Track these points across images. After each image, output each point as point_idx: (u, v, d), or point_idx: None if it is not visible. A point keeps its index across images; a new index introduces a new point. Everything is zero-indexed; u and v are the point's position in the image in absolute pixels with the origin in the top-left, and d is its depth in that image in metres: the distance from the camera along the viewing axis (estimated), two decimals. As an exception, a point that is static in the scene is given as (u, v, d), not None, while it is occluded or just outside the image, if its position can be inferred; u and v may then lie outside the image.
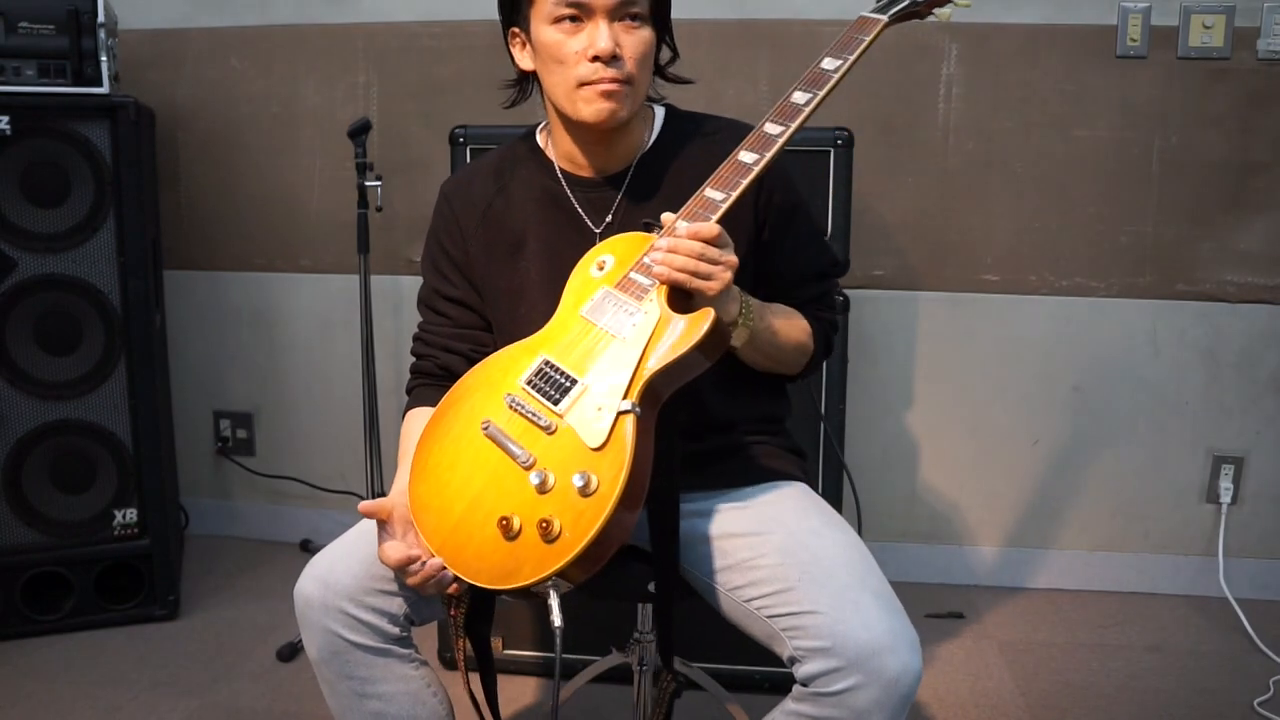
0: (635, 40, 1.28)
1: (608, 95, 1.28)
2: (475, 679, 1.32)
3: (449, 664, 2.10)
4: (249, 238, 2.76)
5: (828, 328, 1.45)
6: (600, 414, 1.16)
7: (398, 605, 1.28)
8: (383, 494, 2.33)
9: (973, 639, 2.34)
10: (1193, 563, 2.56)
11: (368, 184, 2.26)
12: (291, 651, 2.20)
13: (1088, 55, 2.39)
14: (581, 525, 1.11)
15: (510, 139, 1.50)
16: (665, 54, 1.40)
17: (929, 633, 2.30)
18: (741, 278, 1.25)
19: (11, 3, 2.13)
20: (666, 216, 1.23)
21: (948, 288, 2.53)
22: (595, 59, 1.26)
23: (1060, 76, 2.40)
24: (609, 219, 1.39)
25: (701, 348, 1.17)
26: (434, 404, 1.39)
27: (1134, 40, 2.36)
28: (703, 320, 1.17)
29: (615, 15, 1.27)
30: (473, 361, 1.43)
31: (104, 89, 2.17)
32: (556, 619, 1.14)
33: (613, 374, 1.18)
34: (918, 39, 2.42)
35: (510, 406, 1.22)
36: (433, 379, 1.45)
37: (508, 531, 1.14)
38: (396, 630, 1.28)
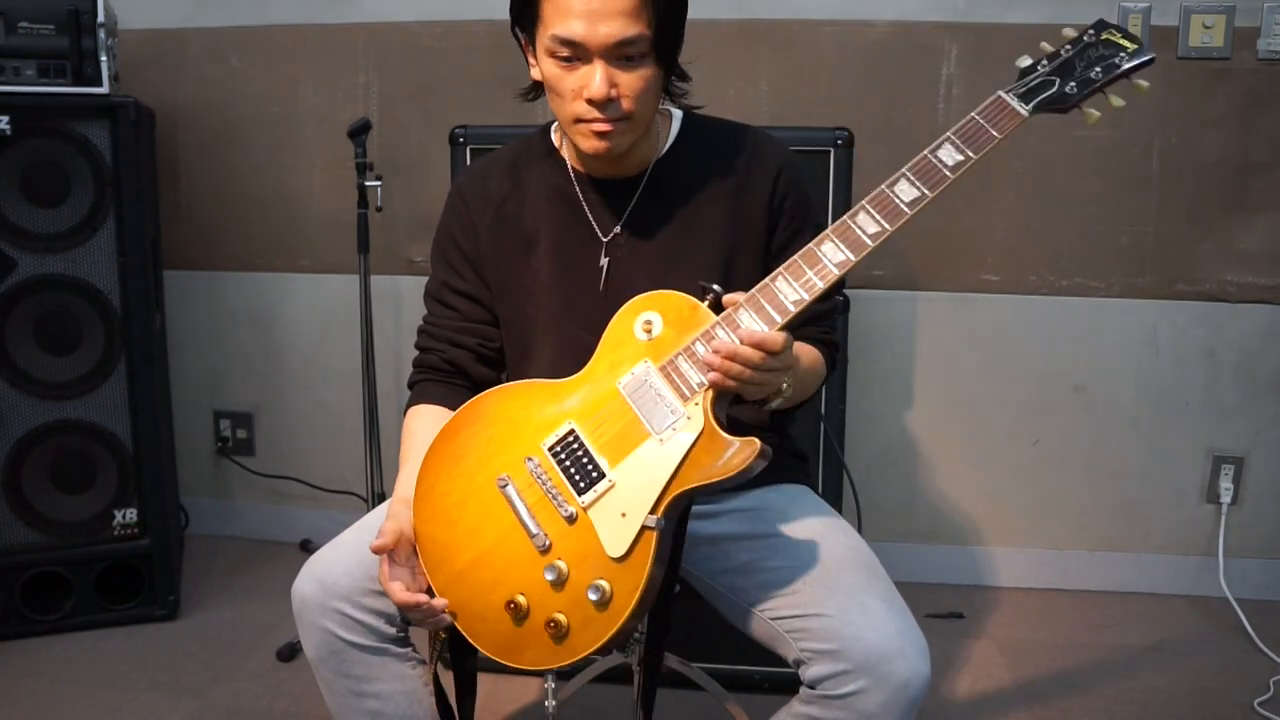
0: (634, 79, 1.23)
1: (602, 135, 1.25)
2: (451, 680, 1.33)
3: (445, 663, 2.10)
4: (249, 238, 2.76)
5: (832, 350, 1.42)
6: (624, 521, 1.13)
7: (394, 605, 1.28)
8: (383, 495, 2.36)
9: (973, 639, 2.34)
10: (1193, 563, 2.56)
11: (368, 184, 2.26)
12: (291, 651, 2.20)
13: (1088, 55, 2.39)
14: (590, 633, 1.12)
15: (511, 139, 1.49)
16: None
17: (929, 633, 2.29)
18: (748, 285, 1.18)
19: (11, 3, 2.13)
20: (730, 298, 1.15)
21: (948, 288, 2.53)
22: (590, 101, 1.22)
23: (1060, 76, 2.40)
24: (617, 230, 1.37)
25: (743, 475, 1.12)
26: (439, 401, 1.40)
27: (1134, 40, 2.36)
28: (748, 453, 1.11)
29: (612, 56, 1.21)
30: (480, 357, 1.43)
31: (104, 89, 2.17)
32: (550, 703, 1.14)
33: (644, 480, 1.13)
34: (918, 39, 2.42)
35: (531, 472, 1.19)
36: (438, 373, 1.44)
37: (515, 614, 1.15)
38: (393, 630, 1.28)
